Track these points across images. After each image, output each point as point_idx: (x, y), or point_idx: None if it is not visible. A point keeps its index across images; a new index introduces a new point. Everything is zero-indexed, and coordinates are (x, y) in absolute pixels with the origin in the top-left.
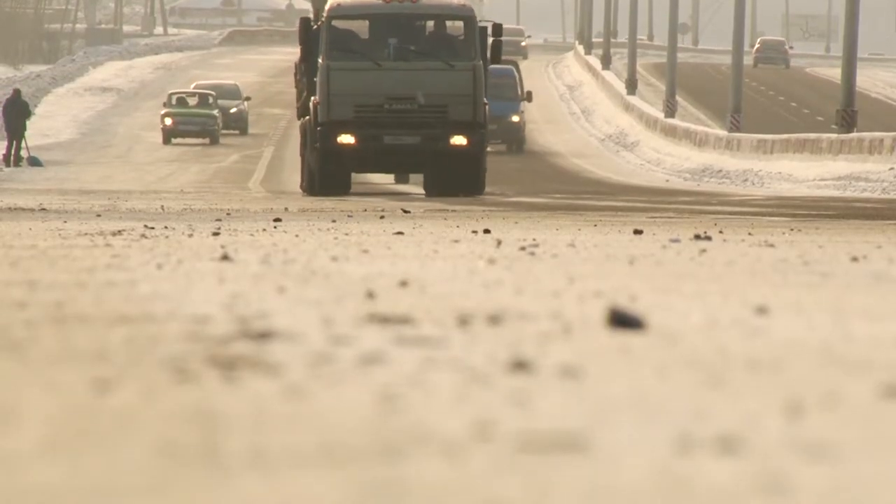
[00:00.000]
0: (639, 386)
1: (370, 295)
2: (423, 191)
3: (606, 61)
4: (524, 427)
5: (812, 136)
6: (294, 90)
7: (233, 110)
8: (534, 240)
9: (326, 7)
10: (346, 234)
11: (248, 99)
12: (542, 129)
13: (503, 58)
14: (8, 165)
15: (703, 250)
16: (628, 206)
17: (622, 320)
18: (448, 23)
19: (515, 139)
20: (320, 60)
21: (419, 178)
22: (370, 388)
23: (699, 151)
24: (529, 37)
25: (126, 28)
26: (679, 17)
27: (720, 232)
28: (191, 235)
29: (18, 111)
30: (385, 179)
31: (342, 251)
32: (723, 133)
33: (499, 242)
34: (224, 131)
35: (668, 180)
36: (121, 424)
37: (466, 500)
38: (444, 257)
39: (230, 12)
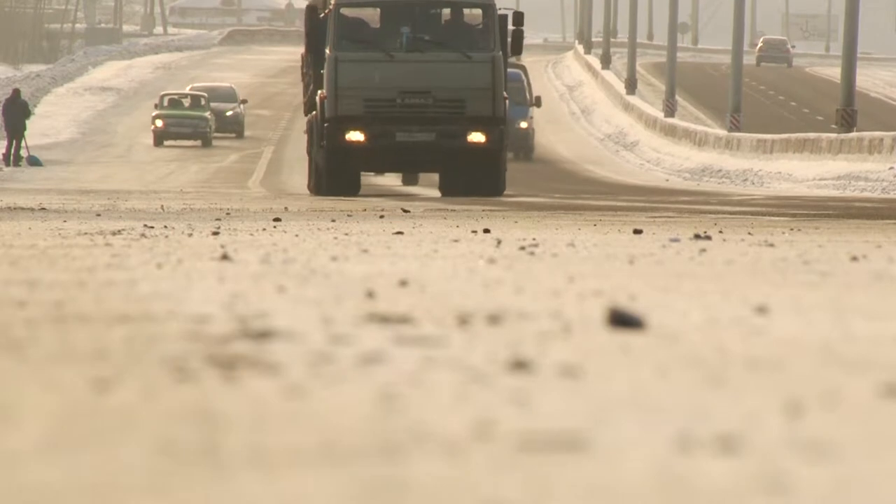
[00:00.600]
0: (639, 385)
1: (370, 294)
2: (429, 193)
3: (606, 61)
4: (524, 426)
5: (812, 135)
6: (291, 91)
7: (229, 113)
8: (533, 239)
9: None
10: (346, 234)
11: (244, 102)
12: (541, 128)
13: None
14: (8, 165)
15: (703, 250)
16: (628, 206)
17: (622, 320)
18: (466, 11)
19: (524, 147)
20: (328, 51)
21: (427, 179)
22: (370, 387)
23: (699, 151)
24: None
25: (126, 28)
26: (679, 16)
27: (720, 231)
28: (190, 235)
29: (18, 111)
30: (392, 181)
31: (342, 251)
32: (722, 132)
33: (498, 242)
34: (220, 134)
35: (667, 180)
36: (120, 424)
37: (466, 500)
38: (443, 257)
39: (230, 12)
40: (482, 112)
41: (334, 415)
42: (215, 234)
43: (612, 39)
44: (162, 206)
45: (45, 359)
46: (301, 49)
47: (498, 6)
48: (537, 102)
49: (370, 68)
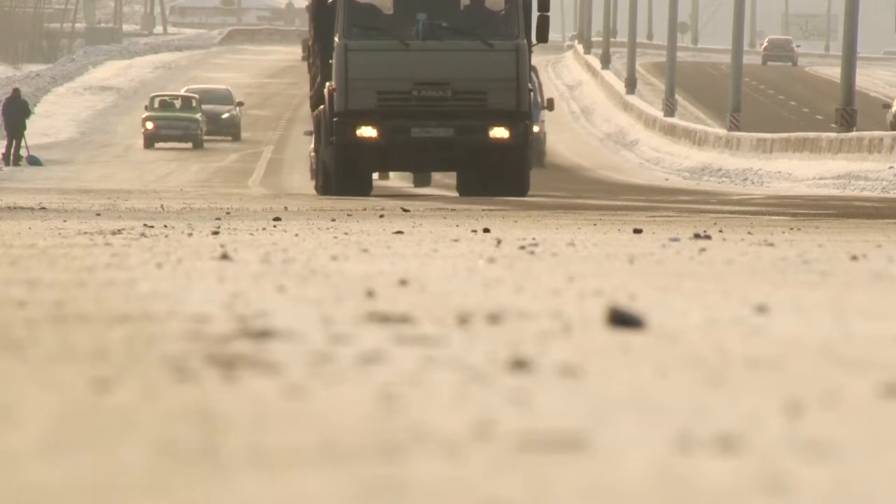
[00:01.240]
0: (639, 385)
1: (370, 294)
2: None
3: (606, 60)
4: (524, 426)
5: (811, 134)
6: (290, 91)
7: (224, 115)
8: (533, 239)
9: None
10: (346, 234)
11: (240, 104)
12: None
13: None
14: (7, 164)
15: (703, 249)
16: (628, 205)
17: (622, 319)
18: None
19: (535, 152)
20: (336, 40)
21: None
22: (370, 387)
23: (698, 150)
24: None
25: (126, 27)
26: (678, 16)
27: (720, 231)
28: (190, 234)
29: (18, 110)
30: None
31: (342, 250)
32: (722, 132)
33: (498, 241)
34: (216, 137)
35: (667, 179)
36: (120, 423)
37: (466, 500)
38: (443, 256)
39: (230, 11)
40: (505, 105)
41: (334, 415)
42: (215, 233)
43: (611, 39)
44: (162, 206)
45: (45, 359)
46: (298, 48)
47: None
48: (549, 105)
49: (383, 58)
